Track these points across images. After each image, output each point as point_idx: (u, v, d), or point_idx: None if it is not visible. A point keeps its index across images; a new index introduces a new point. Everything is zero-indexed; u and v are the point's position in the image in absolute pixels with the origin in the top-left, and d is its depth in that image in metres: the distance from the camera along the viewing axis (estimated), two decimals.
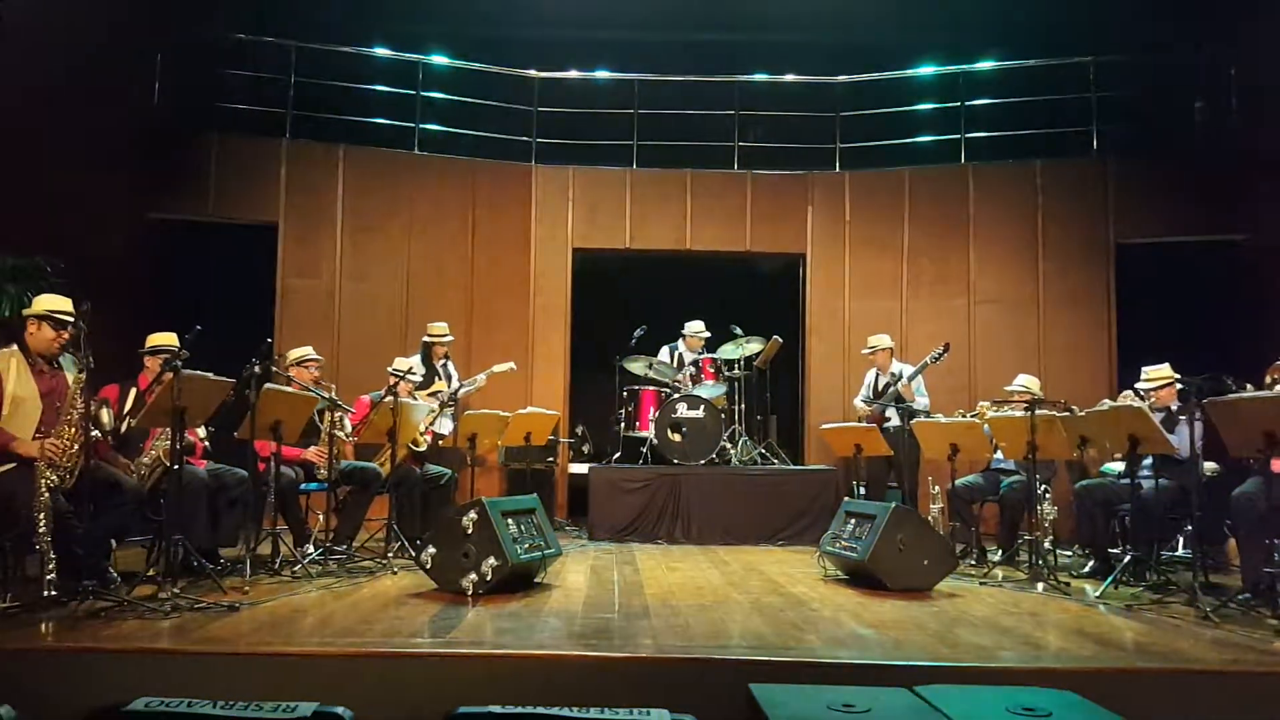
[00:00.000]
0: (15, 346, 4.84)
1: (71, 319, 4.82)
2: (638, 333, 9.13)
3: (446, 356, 8.62)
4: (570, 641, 4.05)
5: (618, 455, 9.26)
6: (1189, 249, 9.83)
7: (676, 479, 8.59)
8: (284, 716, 2.12)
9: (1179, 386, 6.23)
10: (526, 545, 5.42)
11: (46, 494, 4.41)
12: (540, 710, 2.11)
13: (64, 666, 3.62)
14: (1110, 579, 5.67)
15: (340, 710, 2.15)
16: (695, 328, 9.50)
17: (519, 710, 2.12)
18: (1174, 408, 6.39)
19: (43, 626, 4.09)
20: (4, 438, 4.61)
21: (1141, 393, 6.59)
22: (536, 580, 5.72)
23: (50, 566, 4.33)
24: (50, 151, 7.71)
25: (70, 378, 4.76)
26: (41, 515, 4.36)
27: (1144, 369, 6.65)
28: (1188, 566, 6.10)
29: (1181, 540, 7.36)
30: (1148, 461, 6.13)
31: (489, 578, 5.08)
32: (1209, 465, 6.31)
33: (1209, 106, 10.13)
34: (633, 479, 8.63)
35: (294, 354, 7.01)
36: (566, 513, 10.12)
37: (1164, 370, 6.50)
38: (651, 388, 9.22)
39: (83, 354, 4.56)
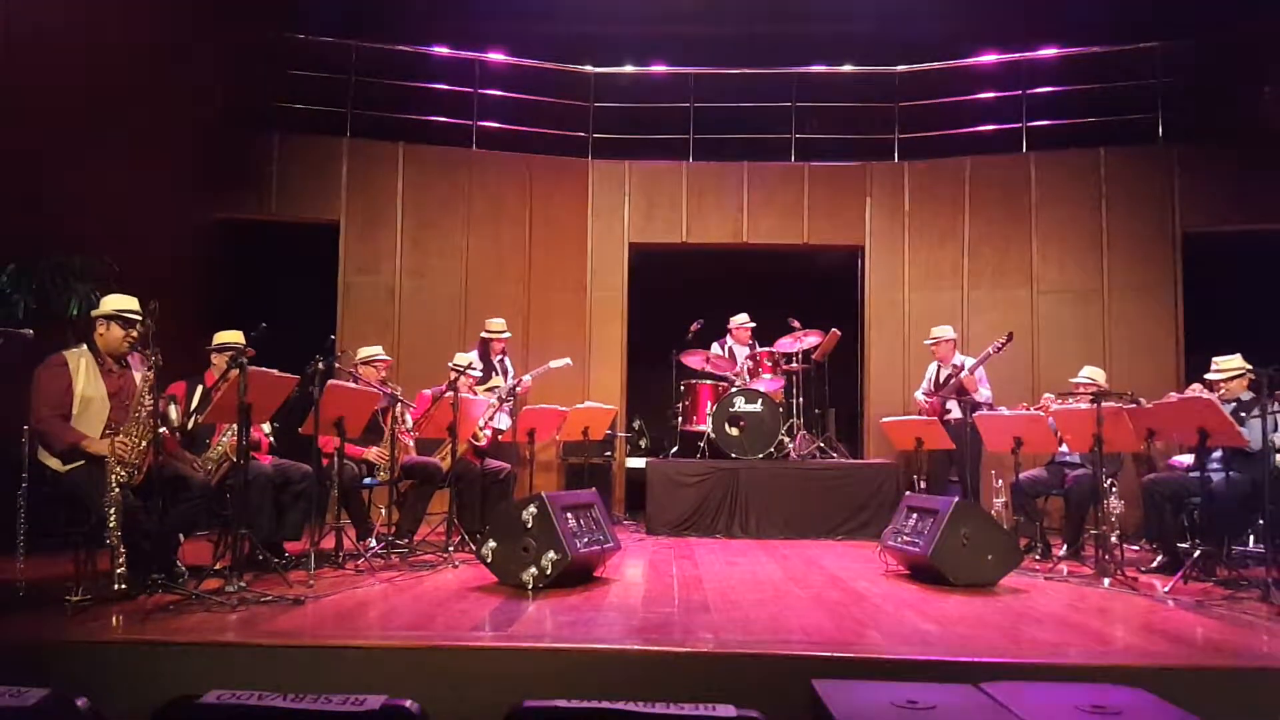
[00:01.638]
0: (84, 346, 4.93)
1: (139, 318, 4.91)
2: (694, 327, 9.10)
3: (504, 352, 8.65)
4: (631, 636, 4.06)
5: (675, 449, 9.24)
6: (1259, 237, 9.58)
7: (734, 473, 8.56)
8: (353, 709, 2.14)
9: (1250, 377, 6.09)
10: (585, 539, 5.44)
11: (117, 490, 4.50)
12: (606, 705, 2.11)
13: (135, 658, 3.71)
14: (1180, 574, 5.55)
15: (408, 703, 2.17)
16: (741, 319, 9.47)
17: (585, 705, 2.12)
18: (1244, 399, 6.24)
19: (114, 619, 4.19)
20: (74, 436, 4.71)
21: (1211, 384, 6.45)
22: (595, 574, 5.74)
23: (121, 561, 4.42)
24: (117, 152, 7.86)
25: (138, 376, 4.85)
26: (112, 511, 4.46)
27: (1214, 359, 6.49)
28: (1260, 561, 5.95)
29: (1253, 534, 7.18)
30: (1217, 454, 6.00)
31: (549, 571, 5.11)
32: None
33: (1277, 91, 9.85)
34: (690, 473, 8.61)
35: (363, 352, 7.11)
36: (624, 507, 10.13)
37: (1235, 361, 6.34)
38: (709, 382, 9.19)
39: (151, 352, 4.65)
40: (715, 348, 9.46)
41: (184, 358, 5.94)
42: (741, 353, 9.34)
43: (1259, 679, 3.59)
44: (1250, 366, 6.16)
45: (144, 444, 4.68)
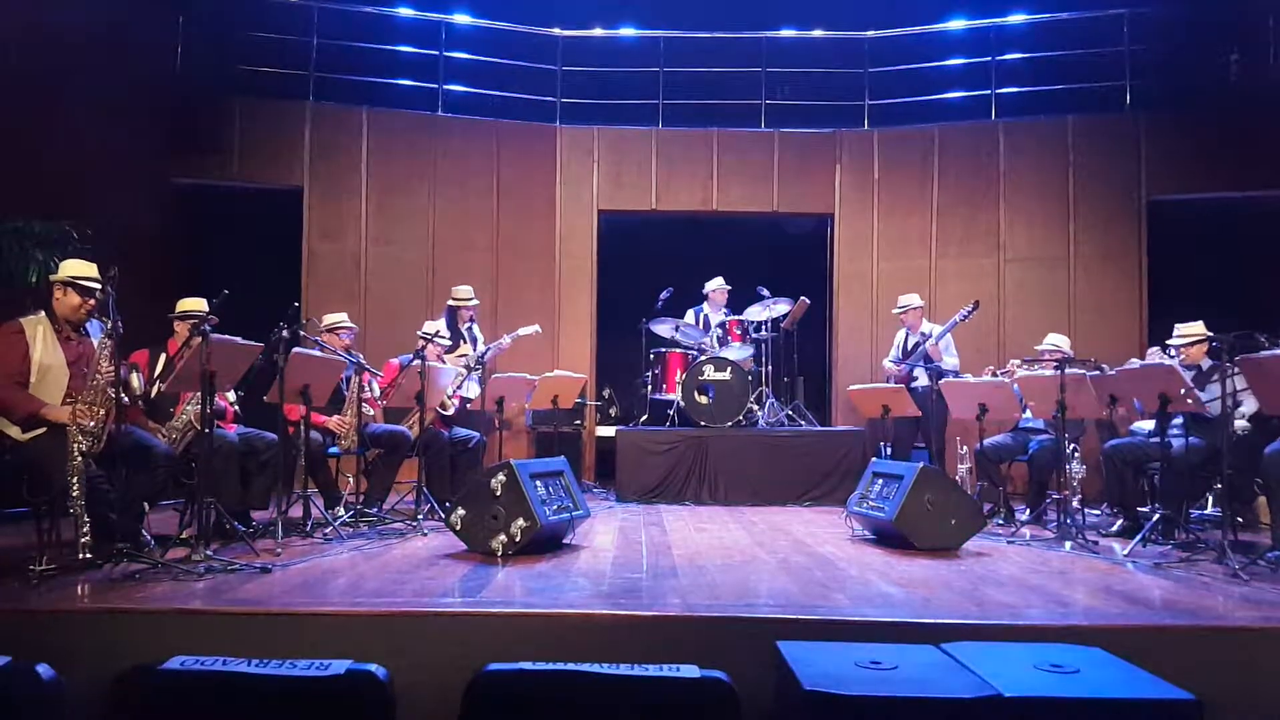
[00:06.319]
0: (42, 313, 4.85)
1: (97, 285, 4.83)
2: (664, 294, 9.09)
3: (472, 320, 8.58)
4: (599, 600, 4.07)
5: (645, 418, 9.26)
6: (1222, 205, 9.68)
7: (703, 441, 8.58)
8: (317, 674, 2.15)
9: (1210, 344, 6.16)
10: (555, 507, 5.46)
11: (79, 458, 4.45)
12: (570, 666, 2.13)
13: (99, 627, 3.68)
14: (1139, 537, 5.63)
15: (373, 668, 2.17)
16: (717, 283, 9.45)
17: (549, 667, 2.14)
18: (1204, 365, 6.31)
19: (78, 588, 4.15)
20: (34, 404, 4.64)
21: (1170, 350, 6.52)
22: (565, 541, 5.75)
23: (84, 530, 4.38)
24: (75, 116, 7.72)
25: (97, 343, 4.79)
26: (74, 479, 4.41)
27: (1177, 326, 6.56)
28: (1217, 525, 6.05)
29: (1211, 498, 7.30)
30: (1178, 420, 6.08)
31: (518, 539, 5.12)
32: (1239, 423, 6.24)
33: (1244, 59, 9.92)
34: (660, 441, 8.63)
35: (328, 319, 7.04)
36: (594, 475, 10.15)
37: (1196, 327, 6.41)
38: (678, 350, 9.19)
39: (111, 319, 4.59)
40: (689, 316, 9.44)
41: (146, 325, 5.87)
42: (717, 318, 9.32)
43: (1213, 638, 3.66)
44: (1211, 333, 6.24)
45: (104, 412, 4.63)
